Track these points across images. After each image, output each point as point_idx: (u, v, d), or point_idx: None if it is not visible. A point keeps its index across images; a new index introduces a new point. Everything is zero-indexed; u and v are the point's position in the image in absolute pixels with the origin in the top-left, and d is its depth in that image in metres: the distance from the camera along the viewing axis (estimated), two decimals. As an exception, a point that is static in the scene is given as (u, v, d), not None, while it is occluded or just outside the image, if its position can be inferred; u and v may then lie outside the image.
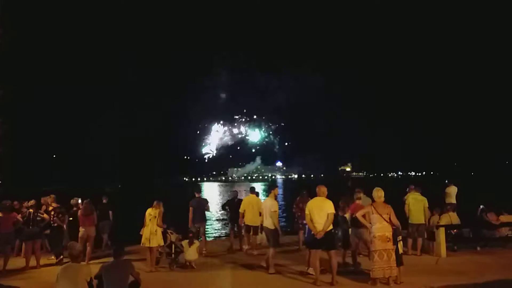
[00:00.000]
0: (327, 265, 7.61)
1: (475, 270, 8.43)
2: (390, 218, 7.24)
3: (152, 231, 8.93)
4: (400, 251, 7.40)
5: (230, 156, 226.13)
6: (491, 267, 8.64)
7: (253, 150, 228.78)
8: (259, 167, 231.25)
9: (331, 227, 7.49)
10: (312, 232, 7.49)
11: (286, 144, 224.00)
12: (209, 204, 11.20)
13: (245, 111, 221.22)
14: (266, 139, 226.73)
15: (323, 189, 7.68)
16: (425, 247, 10.16)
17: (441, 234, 9.81)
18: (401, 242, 7.51)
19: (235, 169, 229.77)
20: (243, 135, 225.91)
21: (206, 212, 10.79)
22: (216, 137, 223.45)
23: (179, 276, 8.66)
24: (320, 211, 7.43)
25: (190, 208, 10.45)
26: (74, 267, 5.57)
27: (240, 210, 10.33)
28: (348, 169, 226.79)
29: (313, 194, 7.99)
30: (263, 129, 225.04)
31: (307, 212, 7.60)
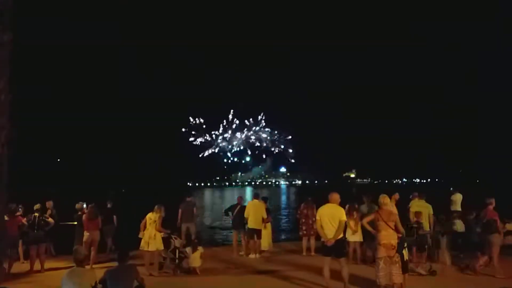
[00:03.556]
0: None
1: (480, 278, 8.37)
2: (395, 226, 7.20)
3: (151, 235, 8.96)
4: (406, 258, 7.36)
5: (234, 161, 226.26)
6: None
7: (258, 156, 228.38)
8: (263, 172, 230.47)
9: (341, 235, 7.40)
10: (322, 239, 7.43)
11: (290, 150, 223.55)
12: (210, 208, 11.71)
13: (251, 117, 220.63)
14: (272, 145, 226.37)
15: (335, 196, 7.53)
16: (430, 254, 10.09)
17: (447, 242, 9.72)
18: (406, 249, 7.47)
19: (239, 174, 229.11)
20: (250, 140, 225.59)
21: (194, 213, 12.00)
22: (222, 141, 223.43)
23: (183, 281, 8.65)
24: (331, 218, 7.31)
25: (179, 210, 11.70)
26: (79, 272, 5.58)
27: (245, 215, 10.78)
28: (352, 175, 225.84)
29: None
30: (268, 135, 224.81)
31: (318, 218, 7.49)
